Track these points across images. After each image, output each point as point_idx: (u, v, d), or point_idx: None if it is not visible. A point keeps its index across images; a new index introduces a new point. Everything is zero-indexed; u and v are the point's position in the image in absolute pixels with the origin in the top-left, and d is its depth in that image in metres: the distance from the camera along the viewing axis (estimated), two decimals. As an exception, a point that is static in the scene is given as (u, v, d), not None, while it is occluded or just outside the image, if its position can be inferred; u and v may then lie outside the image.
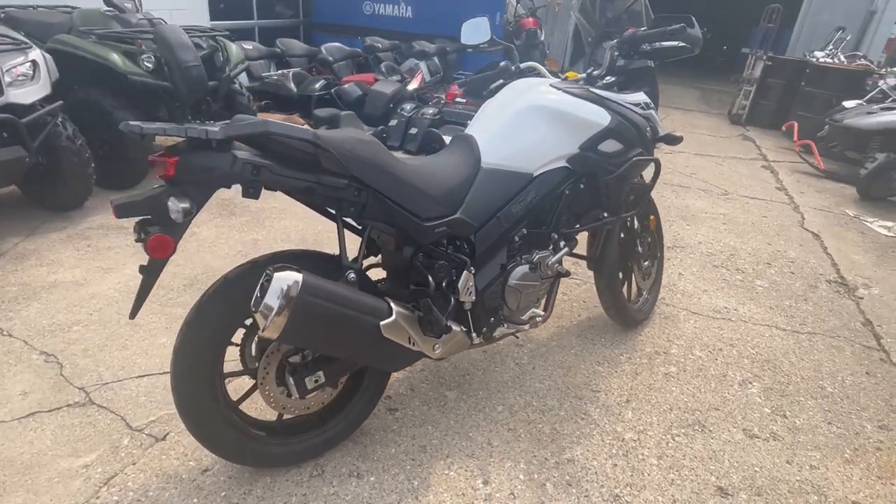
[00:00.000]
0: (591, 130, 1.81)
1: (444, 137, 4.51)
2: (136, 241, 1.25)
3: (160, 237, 1.19)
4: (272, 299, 1.23)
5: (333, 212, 1.47)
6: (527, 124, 1.75)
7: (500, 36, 8.39)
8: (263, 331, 1.24)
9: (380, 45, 6.65)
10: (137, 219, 1.26)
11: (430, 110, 5.13)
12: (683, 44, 1.77)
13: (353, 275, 1.43)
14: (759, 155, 6.17)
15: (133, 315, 1.31)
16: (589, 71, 2.02)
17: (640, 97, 1.99)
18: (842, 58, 7.40)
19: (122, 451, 1.66)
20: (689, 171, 5.28)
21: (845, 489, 1.76)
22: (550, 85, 1.85)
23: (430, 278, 1.53)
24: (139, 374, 1.99)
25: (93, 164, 3.10)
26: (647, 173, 2.15)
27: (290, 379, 1.44)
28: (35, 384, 1.91)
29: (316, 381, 1.47)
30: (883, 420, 2.09)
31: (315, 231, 3.29)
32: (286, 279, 1.24)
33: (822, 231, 4.00)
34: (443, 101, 5.93)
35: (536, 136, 1.75)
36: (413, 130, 4.95)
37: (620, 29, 1.99)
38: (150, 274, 1.28)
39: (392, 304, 1.43)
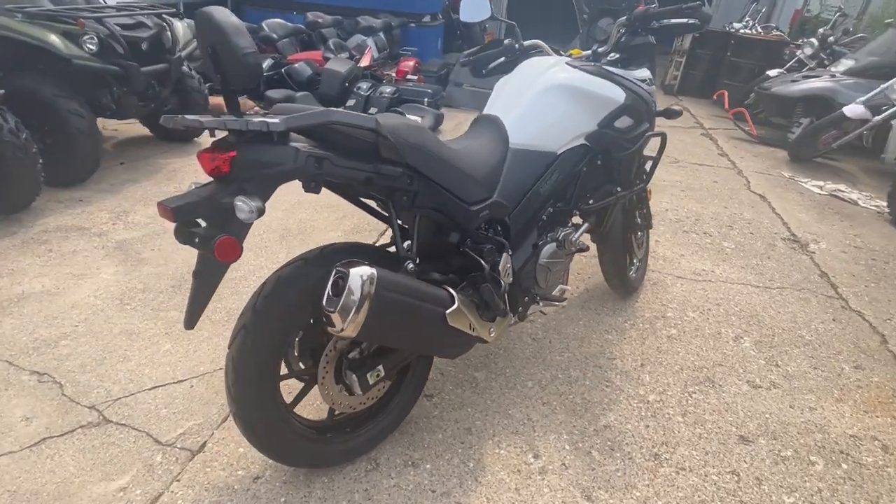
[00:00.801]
0: (608, 107, 1.85)
1: (409, 117, 4.41)
2: (195, 245, 1.15)
3: (229, 239, 1.11)
4: (350, 297, 1.18)
5: (373, 203, 1.43)
6: (550, 103, 1.77)
7: (438, 10, 8.27)
8: (342, 331, 1.19)
9: (322, 21, 6.36)
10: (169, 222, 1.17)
11: (388, 89, 5.00)
12: (694, 21, 1.84)
13: (411, 265, 1.40)
14: (696, 123, 6.54)
15: (191, 325, 1.23)
16: (594, 48, 2.05)
17: (645, 73, 2.06)
18: (759, 29, 7.94)
19: (158, 469, 1.56)
20: (638, 141, 5.51)
21: (842, 425, 1.97)
22: (566, 63, 1.87)
23: (483, 263, 1.52)
24: (152, 385, 1.86)
25: (40, 161, 2.79)
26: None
27: (353, 376, 1.40)
28: (37, 408, 1.73)
29: (377, 375, 1.44)
30: (856, 361, 2.34)
31: (297, 220, 3.16)
32: (362, 274, 1.19)
33: (767, 193, 4.33)
34: (394, 79, 5.80)
35: (559, 115, 1.77)
36: (373, 110, 4.81)
37: (629, 6, 2.02)
38: (211, 279, 1.20)
39: (453, 292, 1.42)
